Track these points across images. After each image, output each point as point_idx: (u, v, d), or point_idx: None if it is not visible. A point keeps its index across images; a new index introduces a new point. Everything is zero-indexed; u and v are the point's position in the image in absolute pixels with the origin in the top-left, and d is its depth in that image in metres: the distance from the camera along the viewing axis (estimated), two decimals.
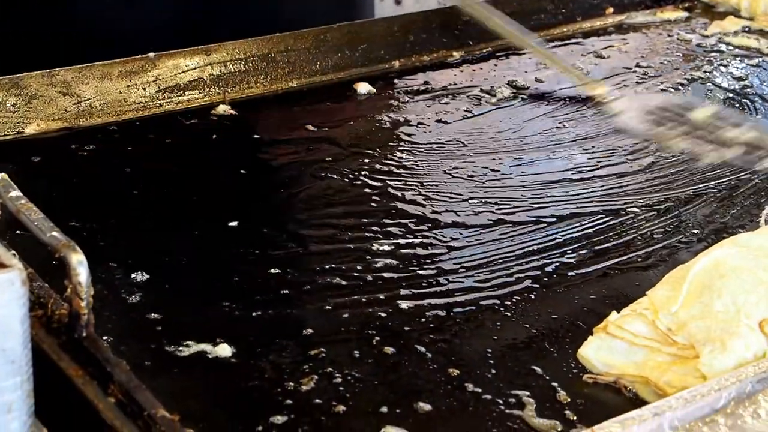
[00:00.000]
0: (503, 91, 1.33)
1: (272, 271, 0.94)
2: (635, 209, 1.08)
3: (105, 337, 0.82)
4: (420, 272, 0.96)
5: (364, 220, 1.04)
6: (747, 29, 1.57)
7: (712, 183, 1.14)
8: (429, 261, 0.98)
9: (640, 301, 0.89)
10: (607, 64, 1.44)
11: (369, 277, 0.94)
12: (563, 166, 1.17)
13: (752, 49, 1.51)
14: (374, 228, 1.02)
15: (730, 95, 1.37)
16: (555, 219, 1.06)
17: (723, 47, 1.52)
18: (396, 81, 1.37)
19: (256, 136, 1.21)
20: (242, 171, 1.12)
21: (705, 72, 1.43)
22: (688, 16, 1.64)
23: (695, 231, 1.04)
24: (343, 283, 0.93)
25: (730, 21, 1.60)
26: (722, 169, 1.17)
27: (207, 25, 1.44)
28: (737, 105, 1.34)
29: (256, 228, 1.02)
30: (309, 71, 1.36)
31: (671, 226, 1.05)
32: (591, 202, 1.10)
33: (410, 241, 1.01)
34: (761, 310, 0.85)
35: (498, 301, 0.92)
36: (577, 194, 1.11)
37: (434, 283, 0.95)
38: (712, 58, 1.48)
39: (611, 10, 1.63)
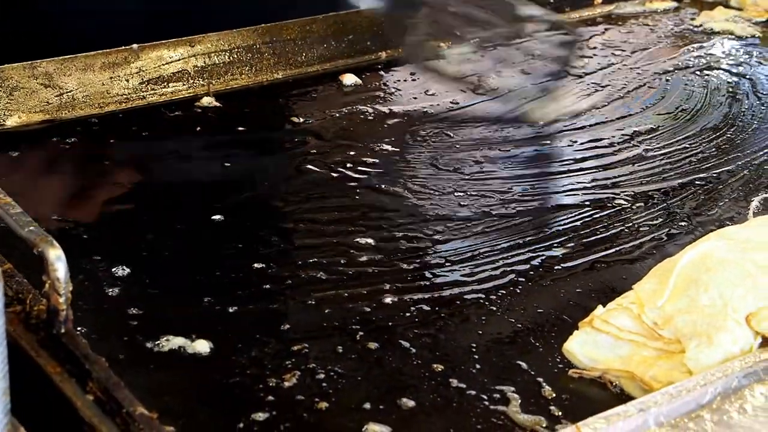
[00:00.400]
0: (490, 83, 1.32)
1: (255, 265, 0.93)
2: (622, 201, 1.07)
3: (80, 328, 0.80)
4: (404, 266, 0.95)
5: (348, 213, 1.03)
6: (737, 18, 1.56)
7: (700, 175, 1.13)
8: (413, 255, 0.97)
9: (627, 294, 0.88)
10: (596, 55, 1.43)
11: (352, 272, 0.93)
12: (550, 158, 1.16)
13: (740, 38, 1.50)
14: (358, 221, 1.01)
15: (720, 83, 1.36)
16: (541, 211, 1.05)
17: (716, 35, 1.51)
18: (382, 72, 1.36)
19: (240, 128, 1.19)
20: (226, 164, 1.11)
21: (693, 60, 1.43)
22: (677, 6, 1.64)
23: (683, 223, 1.04)
24: (326, 277, 0.92)
25: (719, 11, 1.59)
26: (709, 161, 1.16)
27: (192, 16, 1.42)
28: (730, 93, 1.34)
29: (239, 222, 1.01)
30: (294, 62, 1.35)
31: (658, 219, 1.04)
32: (578, 194, 1.09)
33: (394, 234, 1.00)
34: (748, 303, 0.84)
35: (483, 296, 0.91)
36: (564, 186, 1.10)
37: (419, 277, 0.94)
38: (701, 47, 1.47)
39: (600, 0, 1.62)
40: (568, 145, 1.19)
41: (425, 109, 1.26)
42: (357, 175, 1.10)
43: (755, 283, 0.86)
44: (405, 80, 1.33)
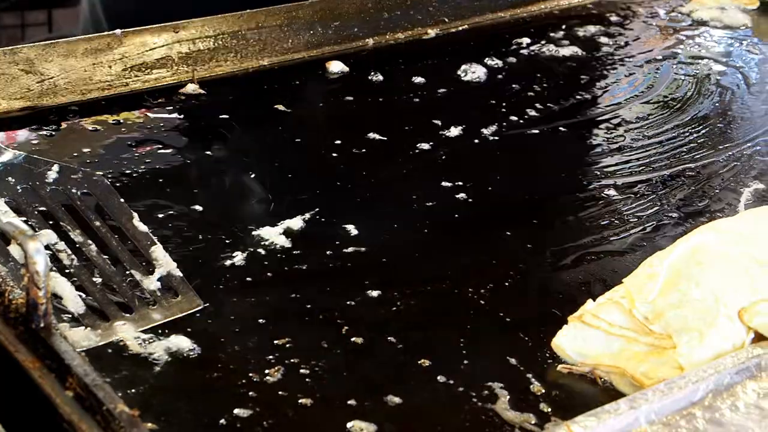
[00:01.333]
0: (478, 70, 1.30)
1: (236, 256, 0.92)
2: (611, 192, 1.06)
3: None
4: (391, 259, 0.93)
5: (334, 203, 1.01)
6: (728, 6, 1.54)
7: (690, 165, 1.12)
8: (400, 246, 0.95)
9: (617, 288, 0.86)
10: (583, 42, 1.41)
11: (338, 264, 0.92)
12: (538, 147, 1.15)
13: (731, 26, 1.49)
14: (344, 212, 1.00)
15: (709, 72, 1.34)
16: (530, 202, 1.04)
17: (706, 24, 1.49)
18: (369, 59, 1.34)
19: (224, 116, 1.17)
20: (208, 152, 1.09)
21: (683, 49, 1.41)
22: None
23: (673, 215, 1.02)
24: (311, 269, 0.91)
25: None
26: (699, 151, 1.15)
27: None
28: (717, 82, 1.32)
29: (221, 212, 0.99)
30: (280, 49, 1.33)
31: (648, 210, 1.03)
32: (566, 184, 1.07)
33: (381, 225, 0.98)
34: (740, 298, 0.82)
35: (471, 289, 0.89)
36: (552, 176, 1.09)
37: (405, 269, 0.92)
38: (691, 35, 1.46)
39: None
40: (557, 133, 1.17)
41: (413, 97, 1.24)
42: (343, 164, 1.08)
43: (748, 278, 0.85)
44: (392, 67, 1.31)
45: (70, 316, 0.82)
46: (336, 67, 1.30)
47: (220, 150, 1.10)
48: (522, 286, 0.91)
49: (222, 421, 0.73)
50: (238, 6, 1.34)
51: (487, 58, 1.34)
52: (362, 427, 0.73)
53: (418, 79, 1.28)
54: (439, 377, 0.78)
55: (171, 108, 1.18)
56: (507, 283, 0.91)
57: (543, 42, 1.40)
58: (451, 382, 0.78)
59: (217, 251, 0.93)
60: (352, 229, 0.97)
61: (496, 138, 1.16)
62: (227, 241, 0.94)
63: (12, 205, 0.92)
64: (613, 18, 1.49)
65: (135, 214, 0.94)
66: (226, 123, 1.16)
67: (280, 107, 1.20)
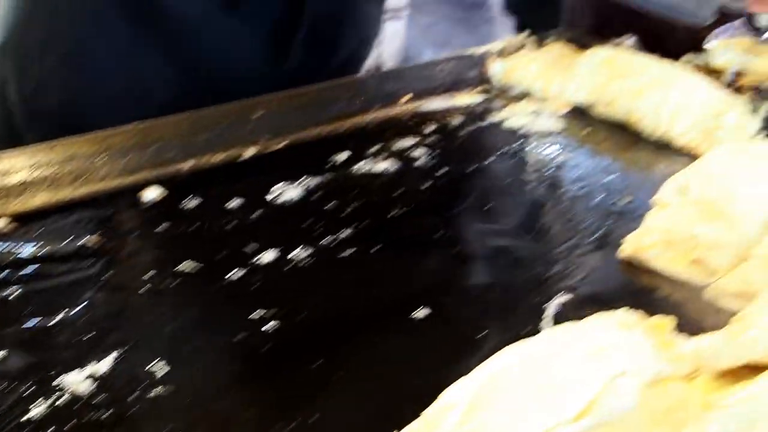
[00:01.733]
0: (293, 191, 1.31)
1: (37, 408, 0.90)
2: (424, 312, 1.06)
3: None
4: (197, 399, 0.93)
5: (143, 341, 1.00)
6: (540, 112, 1.58)
7: (495, 280, 1.13)
8: (209, 385, 0.95)
9: (418, 420, 0.87)
10: (398, 156, 1.42)
11: (144, 407, 0.91)
12: (352, 268, 1.15)
13: (543, 132, 1.52)
14: (153, 350, 0.98)
15: (521, 181, 1.37)
16: (343, 327, 1.04)
17: (518, 131, 1.53)
18: (186, 183, 1.33)
19: (33, 252, 1.15)
20: (12, 294, 1.07)
21: (496, 158, 1.44)
22: (486, 98, 1.65)
23: (476, 337, 1.02)
24: (115, 416, 0.90)
25: (524, 104, 1.61)
26: (497, 267, 1.16)
27: None
28: (529, 191, 1.34)
29: (23, 359, 0.97)
30: (95, 178, 1.32)
31: (439, 331, 1.03)
32: (380, 306, 1.08)
33: (190, 362, 0.97)
34: (541, 422, 0.84)
35: (279, 427, 0.89)
36: (367, 299, 1.10)
37: (212, 410, 0.92)
38: (503, 143, 1.48)
39: (408, 97, 1.62)
40: (369, 255, 1.18)
41: (227, 224, 1.23)
42: (152, 300, 1.08)
43: (548, 401, 0.86)
44: (207, 191, 1.30)
45: None
46: (151, 194, 1.29)
47: (25, 290, 1.08)
48: (329, 421, 0.91)
49: None
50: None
51: (303, 176, 1.34)
52: None
53: (234, 203, 1.28)
54: None
55: None
56: (313, 419, 0.90)
57: (359, 157, 1.41)
58: None
59: (17, 404, 0.91)
60: (160, 369, 0.96)
61: (311, 260, 1.16)
62: (28, 392, 0.92)
63: None
64: (428, 130, 1.51)
65: None
66: (34, 260, 1.14)
67: (91, 240, 1.18)
